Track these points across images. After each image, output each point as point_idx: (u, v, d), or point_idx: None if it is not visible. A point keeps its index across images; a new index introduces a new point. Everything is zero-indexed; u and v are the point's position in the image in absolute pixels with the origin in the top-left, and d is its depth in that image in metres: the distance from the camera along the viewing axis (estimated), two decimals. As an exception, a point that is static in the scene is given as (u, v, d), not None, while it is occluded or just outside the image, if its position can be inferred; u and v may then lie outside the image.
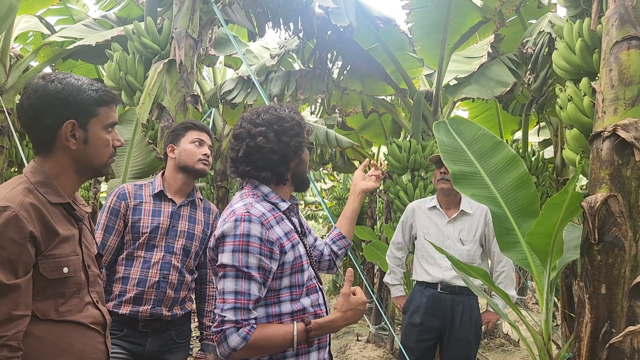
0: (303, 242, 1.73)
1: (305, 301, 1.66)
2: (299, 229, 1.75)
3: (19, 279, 1.28)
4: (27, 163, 4.69)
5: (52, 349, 1.36)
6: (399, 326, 5.77)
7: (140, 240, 2.36)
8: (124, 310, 2.31)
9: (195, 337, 4.65)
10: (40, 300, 1.35)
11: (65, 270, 1.38)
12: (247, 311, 1.52)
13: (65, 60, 5.55)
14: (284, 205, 1.69)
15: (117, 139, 1.52)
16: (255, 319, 1.55)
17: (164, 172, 2.54)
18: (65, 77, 1.45)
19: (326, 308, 1.74)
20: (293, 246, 1.64)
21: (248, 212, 1.57)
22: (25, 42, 6.13)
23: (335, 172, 12.08)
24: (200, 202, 2.57)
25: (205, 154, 2.47)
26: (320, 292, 1.74)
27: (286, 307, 1.62)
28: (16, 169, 5.51)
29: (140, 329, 2.33)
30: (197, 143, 2.47)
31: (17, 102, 1.47)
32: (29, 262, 1.31)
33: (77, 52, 5.06)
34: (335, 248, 2.01)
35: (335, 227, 2.05)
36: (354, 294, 1.64)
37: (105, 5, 5.96)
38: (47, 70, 5.57)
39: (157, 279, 2.34)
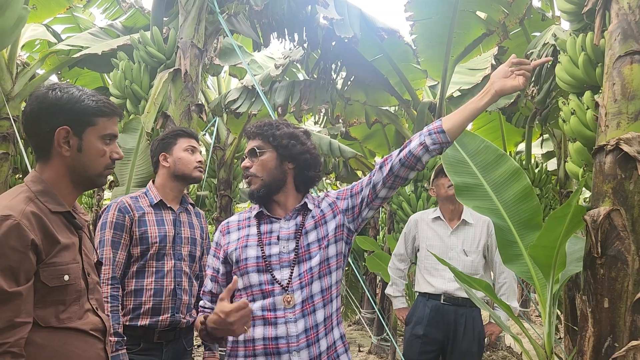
0: (262, 248, 1.78)
1: (256, 305, 1.76)
2: (266, 235, 1.81)
3: (20, 287, 1.29)
4: (31, 170, 4.71)
5: (53, 356, 1.36)
6: (401, 337, 5.74)
7: (151, 252, 2.35)
8: (143, 322, 2.31)
9: (196, 347, 4.64)
10: (41, 307, 1.35)
11: (66, 277, 1.39)
12: (202, 300, 1.91)
13: (71, 68, 5.58)
14: (253, 213, 1.87)
15: (117, 151, 1.53)
16: (209, 308, 1.87)
17: (153, 180, 2.54)
18: (69, 87, 1.47)
19: (285, 312, 1.73)
20: (237, 249, 1.82)
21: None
22: (31, 50, 6.18)
23: (338, 182, 12.08)
24: (191, 207, 2.59)
25: (199, 161, 2.49)
26: (280, 296, 1.74)
27: None
28: (20, 176, 5.53)
29: (156, 340, 2.34)
30: (190, 150, 2.48)
31: (22, 109, 1.50)
32: (31, 269, 1.32)
33: (83, 61, 5.09)
34: (428, 141, 1.73)
35: (440, 120, 1.78)
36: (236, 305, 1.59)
37: (112, 15, 6.01)
38: (53, 78, 5.61)
39: (172, 287, 2.36)
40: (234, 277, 1.65)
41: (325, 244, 1.81)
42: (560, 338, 5.68)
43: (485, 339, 3.38)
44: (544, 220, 2.34)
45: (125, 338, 2.23)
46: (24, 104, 5.28)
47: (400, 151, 1.79)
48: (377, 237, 7.91)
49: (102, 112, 1.48)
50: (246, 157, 1.86)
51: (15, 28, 2.71)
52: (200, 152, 2.58)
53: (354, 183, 1.92)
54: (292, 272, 1.76)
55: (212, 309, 1.83)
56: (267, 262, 1.77)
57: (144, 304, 2.31)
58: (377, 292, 7.49)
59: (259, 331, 1.74)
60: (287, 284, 1.75)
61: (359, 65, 5.12)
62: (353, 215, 1.86)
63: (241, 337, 1.76)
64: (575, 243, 2.69)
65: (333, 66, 5.17)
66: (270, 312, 1.74)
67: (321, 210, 1.86)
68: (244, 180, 1.90)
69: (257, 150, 1.83)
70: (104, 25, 5.64)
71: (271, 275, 1.76)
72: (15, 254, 1.28)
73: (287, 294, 1.74)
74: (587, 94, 2.84)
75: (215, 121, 6.33)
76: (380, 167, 1.82)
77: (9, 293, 1.26)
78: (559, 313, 4.89)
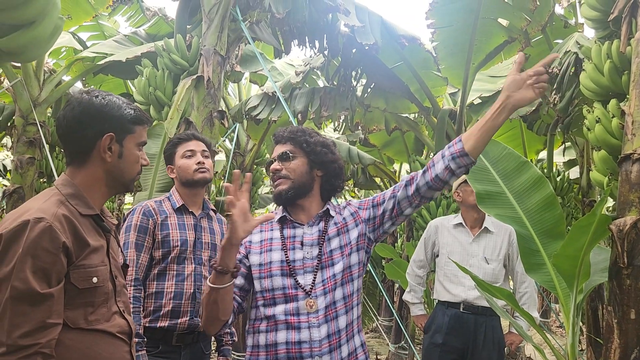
0: (286, 253, 1.80)
1: (278, 309, 1.76)
2: (290, 240, 1.83)
3: (52, 288, 1.31)
4: (57, 174, 4.82)
5: (81, 357, 1.38)
6: (419, 346, 5.70)
7: (172, 255, 2.39)
8: (162, 323, 2.34)
9: (214, 351, 4.67)
10: (70, 309, 1.37)
11: (95, 280, 1.42)
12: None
13: (95, 75, 5.69)
14: (277, 217, 1.88)
15: (145, 158, 1.58)
16: (238, 303, 1.82)
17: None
18: (108, 94, 1.52)
19: (308, 317, 1.74)
20: (261, 252, 1.83)
21: None
22: (58, 57, 6.31)
23: (356, 189, 12.08)
24: (213, 213, 2.62)
25: (198, 162, 2.46)
26: (304, 302, 1.75)
27: (260, 311, 1.80)
28: (45, 180, 5.65)
29: (174, 343, 2.37)
30: (188, 155, 2.48)
31: (59, 113, 1.53)
32: (62, 271, 1.34)
33: (107, 68, 5.19)
34: (453, 165, 1.72)
35: (460, 140, 1.74)
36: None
37: (136, 22, 6.12)
38: (78, 84, 5.72)
39: (192, 291, 2.39)
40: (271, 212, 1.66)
41: (348, 251, 1.83)
42: (582, 350, 5.58)
43: (505, 349, 3.33)
44: (566, 229, 2.31)
45: (145, 339, 2.27)
46: (50, 110, 5.39)
47: (425, 172, 1.78)
48: (396, 244, 7.87)
49: (140, 121, 1.54)
50: (275, 161, 1.86)
51: (52, 37, 2.81)
52: (204, 151, 2.53)
53: (375, 194, 1.95)
54: (315, 278, 1.78)
55: (241, 304, 1.83)
56: (290, 267, 1.79)
57: (164, 306, 2.35)
58: (394, 299, 7.46)
59: (281, 335, 1.74)
60: (310, 289, 1.77)
61: (379, 72, 5.13)
62: (374, 226, 1.89)
63: (262, 342, 1.77)
64: (600, 253, 2.65)
65: (353, 73, 5.19)
66: (294, 317, 1.75)
67: (343, 218, 1.89)
68: (271, 183, 1.89)
69: (290, 154, 1.85)
70: (128, 32, 5.74)
71: (294, 279, 1.77)
72: (48, 256, 1.31)
73: (310, 299, 1.75)
74: (613, 101, 2.80)
75: (235, 127, 6.38)
76: (406, 186, 1.82)
77: (41, 294, 1.29)
78: (581, 324, 4.81)
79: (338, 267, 1.81)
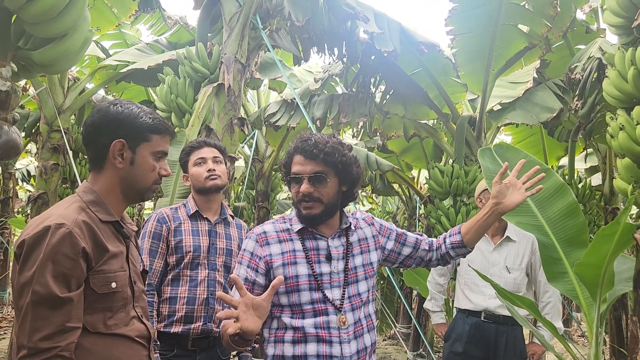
0: (312, 266, 1.76)
1: (307, 322, 1.73)
2: (314, 252, 1.79)
3: (71, 293, 1.34)
4: (80, 180, 4.90)
5: None
6: (437, 354, 5.64)
7: (186, 260, 2.41)
8: (176, 329, 2.37)
9: (233, 356, 4.69)
10: (89, 313, 1.40)
11: (114, 285, 1.44)
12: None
13: (118, 82, 5.79)
14: (295, 227, 1.82)
15: (165, 168, 1.59)
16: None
17: None
18: (129, 104, 1.55)
19: (339, 332, 1.74)
20: (284, 265, 1.75)
21: (252, 230, 1.86)
22: (81, 66, 6.44)
23: (374, 195, 12.04)
24: (232, 219, 2.63)
25: (209, 170, 2.47)
26: (335, 316, 1.74)
27: (285, 321, 1.75)
28: (68, 186, 5.75)
29: (189, 347, 2.39)
30: (199, 163, 2.50)
31: (84, 121, 1.57)
32: (81, 276, 1.37)
33: (129, 75, 5.28)
34: (452, 253, 2.00)
35: (459, 232, 1.98)
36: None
37: (157, 31, 6.22)
38: (101, 92, 5.83)
39: (205, 296, 2.41)
40: (279, 276, 1.56)
41: (371, 272, 1.87)
42: (605, 360, 5.46)
43: (527, 359, 3.27)
44: (590, 238, 2.27)
45: (159, 343, 2.30)
46: (73, 117, 5.50)
47: (437, 249, 2.02)
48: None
49: (157, 130, 1.55)
50: (303, 178, 1.76)
51: (82, 49, 2.91)
52: (216, 157, 2.53)
53: (397, 229, 2.00)
54: (343, 293, 1.77)
55: None
56: (318, 281, 1.76)
57: (178, 311, 2.38)
58: (413, 306, 7.40)
59: (312, 348, 1.72)
60: (340, 304, 1.76)
61: (398, 79, 5.12)
62: (387, 256, 1.97)
63: (289, 352, 1.74)
64: (624, 262, 2.60)
65: (372, 80, 5.18)
66: (324, 330, 1.73)
67: (366, 238, 1.90)
68: (290, 196, 1.91)
69: (326, 178, 1.76)
70: (149, 41, 5.84)
71: (322, 294, 1.75)
72: (68, 261, 1.34)
73: (342, 315, 1.75)
74: (637, 108, 2.76)
75: (254, 134, 6.43)
76: (425, 250, 2.02)
77: (61, 298, 1.32)
78: (604, 334, 4.71)
79: (362, 286, 1.82)
